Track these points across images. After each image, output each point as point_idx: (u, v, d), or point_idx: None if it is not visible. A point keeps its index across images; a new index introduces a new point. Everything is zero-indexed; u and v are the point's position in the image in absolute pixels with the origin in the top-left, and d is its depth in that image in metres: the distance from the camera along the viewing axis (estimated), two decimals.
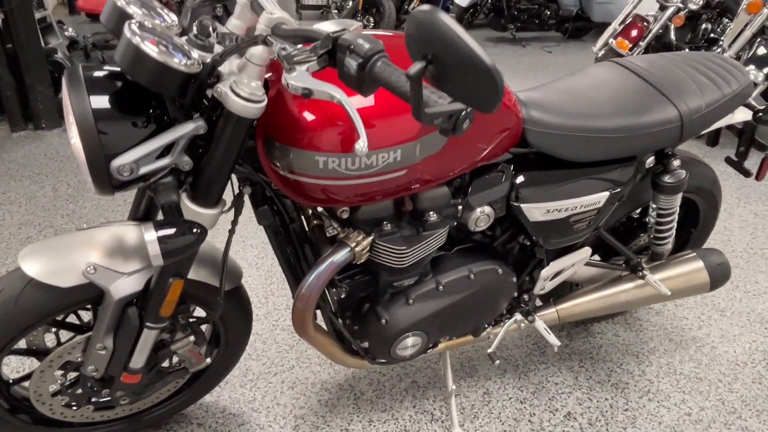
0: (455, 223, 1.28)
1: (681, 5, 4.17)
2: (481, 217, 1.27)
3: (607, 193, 1.35)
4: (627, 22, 4.31)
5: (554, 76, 5.25)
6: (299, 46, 0.82)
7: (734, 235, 2.61)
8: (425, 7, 0.68)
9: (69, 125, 0.91)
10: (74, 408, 1.28)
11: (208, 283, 1.21)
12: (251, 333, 1.48)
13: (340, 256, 1.15)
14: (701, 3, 4.21)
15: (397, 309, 1.29)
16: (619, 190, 1.37)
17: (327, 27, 1.05)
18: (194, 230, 0.95)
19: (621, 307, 1.62)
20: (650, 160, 1.40)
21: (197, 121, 0.93)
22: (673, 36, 4.31)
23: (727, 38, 3.80)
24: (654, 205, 1.50)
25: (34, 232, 2.41)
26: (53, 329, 1.24)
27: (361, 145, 0.76)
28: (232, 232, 1.13)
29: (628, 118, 1.31)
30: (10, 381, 1.27)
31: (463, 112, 0.71)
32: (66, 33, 5.07)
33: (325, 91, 0.80)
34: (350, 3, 5.85)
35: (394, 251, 1.19)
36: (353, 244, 1.15)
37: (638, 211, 1.70)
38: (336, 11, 6.56)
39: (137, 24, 0.83)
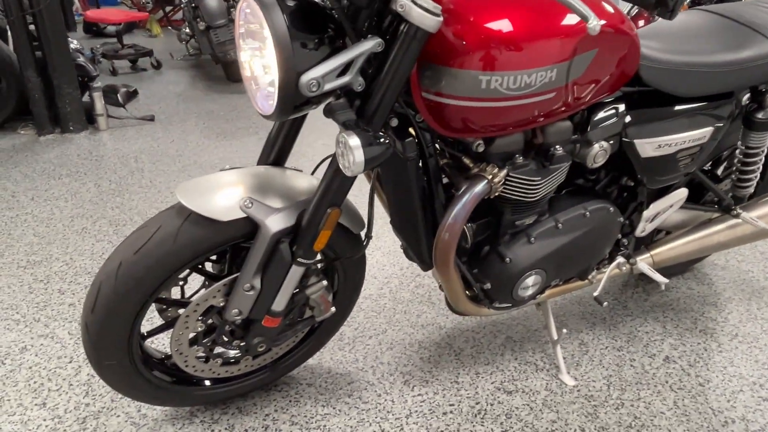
0: (575, 159, 1.32)
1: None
2: (600, 152, 1.30)
3: (711, 128, 1.40)
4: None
5: None
6: None
7: None
8: None
9: (247, 50, 0.93)
10: (205, 362, 1.27)
11: (346, 226, 1.22)
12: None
13: (480, 187, 1.17)
14: None
15: (520, 247, 1.31)
16: (721, 125, 1.42)
17: None
18: (385, 141, 0.97)
19: (715, 249, 1.66)
20: (746, 97, 1.46)
21: (375, 38, 0.95)
22: None
23: None
24: (743, 146, 1.56)
25: (88, 223, 2.38)
26: (181, 283, 1.23)
27: (594, 22, 0.79)
28: (377, 175, 1.14)
29: (727, 54, 1.37)
30: (144, 334, 1.25)
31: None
32: (71, 45, 5.05)
33: None
34: None
35: (527, 183, 1.21)
36: (490, 176, 1.17)
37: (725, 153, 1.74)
38: None
39: None
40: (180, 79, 4.83)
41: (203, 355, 1.25)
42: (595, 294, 1.53)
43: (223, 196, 1.07)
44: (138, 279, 1.05)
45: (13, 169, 2.92)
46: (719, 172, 1.78)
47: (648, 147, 1.35)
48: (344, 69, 0.95)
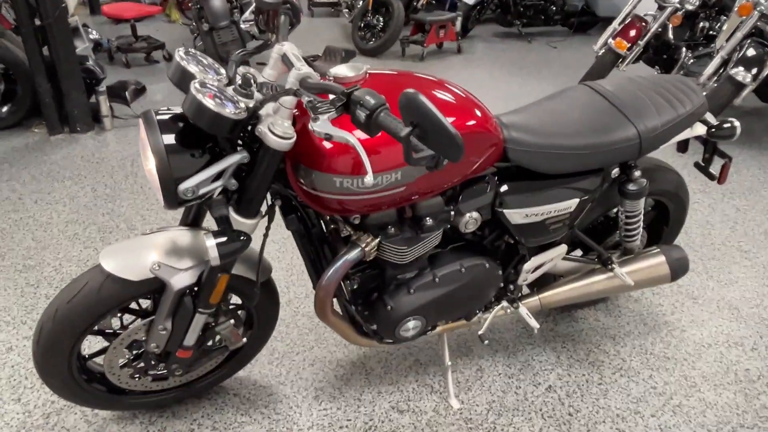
0: (448, 226, 1.54)
1: (678, 5, 4.33)
2: (470, 221, 1.53)
3: (577, 200, 1.61)
4: (626, 22, 4.49)
5: (558, 72, 5.47)
6: (320, 99, 1.08)
7: (714, 228, 2.84)
8: (410, 90, 0.94)
9: (145, 157, 1.19)
10: (137, 378, 1.57)
11: (246, 277, 1.48)
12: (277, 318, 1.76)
13: (353, 254, 1.41)
14: (698, 2, 4.38)
15: (400, 297, 1.56)
16: (587, 197, 1.62)
17: (342, 71, 1.31)
18: (242, 237, 1.23)
19: (595, 296, 1.88)
20: (615, 171, 1.65)
21: (242, 152, 1.20)
22: (671, 35, 4.49)
23: (719, 39, 3.99)
24: (621, 209, 1.75)
25: (80, 229, 2.71)
26: (119, 315, 1.52)
27: (369, 179, 1.02)
28: (266, 236, 1.40)
29: (594, 136, 1.56)
30: (86, 356, 1.55)
31: (440, 158, 0.97)
32: (91, 36, 5.36)
33: (342, 137, 1.05)
34: (360, 2, 6.06)
35: (397, 250, 1.45)
36: (363, 245, 1.42)
37: (614, 210, 1.95)
38: (347, 10, 6.79)
39: (198, 82, 1.10)
40: None
41: (134, 373, 1.56)
42: (480, 332, 1.77)
43: (137, 259, 1.34)
44: (70, 322, 1.35)
45: (23, 170, 3.27)
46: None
47: (516, 216, 1.57)
48: (220, 174, 1.20)
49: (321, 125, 1.06)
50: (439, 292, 1.59)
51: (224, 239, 1.20)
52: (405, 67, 5.52)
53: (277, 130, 1.15)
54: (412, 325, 1.61)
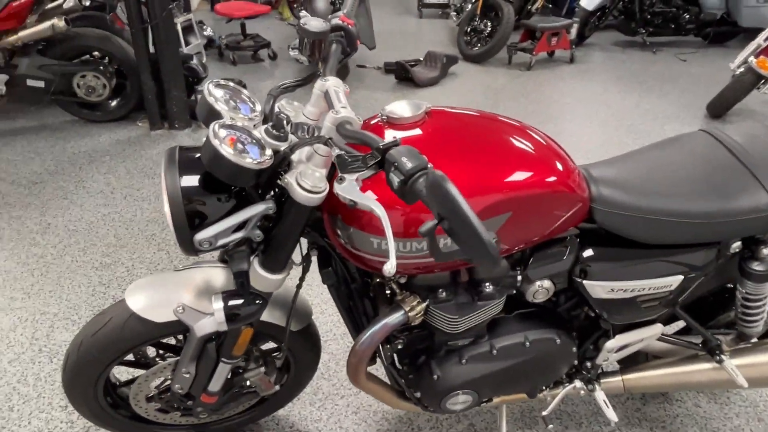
0: (514, 292, 1.31)
1: None
2: (539, 290, 1.28)
3: (681, 277, 1.30)
4: None
5: (685, 89, 4.87)
6: (353, 152, 0.90)
7: None
8: (438, 172, 0.73)
9: (163, 198, 1.08)
10: (163, 412, 1.50)
11: (279, 325, 1.35)
12: (322, 355, 1.61)
13: (395, 318, 1.23)
14: None
15: (449, 367, 1.35)
16: (695, 274, 1.30)
17: (398, 109, 1.12)
18: (257, 302, 1.09)
19: (694, 387, 1.54)
20: (736, 245, 1.32)
21: (267, 203, 1.05)
22: None
23: None
24: (741, 289, 1.41)
25: (158, 230, 2.75)
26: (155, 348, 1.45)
27: (389, 267, 0.82)
28: (299, 287, 1.25)
29: (712, 201, 1.24)
30: (118, 383, 1.51)
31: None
32: (205, 33, 5.59)
33: (367, 206, 0.87)
34: (469, 6, 5.80)
35: (447, 318, 1.24)
36: (408, 308, 1.22)
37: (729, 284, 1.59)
38: (454, 13, 6.54)
39: (219, 125, 0.96)
40: (285, 74, 5.16)
41: (161, 407, 1.48)
42: (544, 413, 1.51)
43: (162, 299, 1.25)
44: (93, 356, 1.29)
45: (121, 164, 3.42)
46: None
47: (599, 289, 1.30)
48: (243, 223, 1.06)
49: (346, 188, 0.88)
50: (497, 366, 1.36)
51: (235, 302, 1.07)
52: (510, 76, 5.20)
53: (305, 182, 0.98)
54: (461, 399, 1.39)
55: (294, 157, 1.04)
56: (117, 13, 3.78)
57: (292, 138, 1.05)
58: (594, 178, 1.25)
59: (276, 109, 1.15)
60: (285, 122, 1.05)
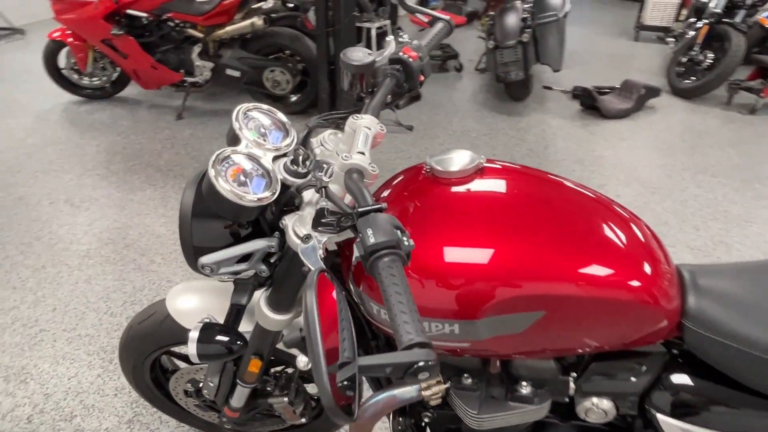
0: (566, 400, 1.05)
1: None
2: (593, 409, 1.01)
3: None
4: None
5: None
6: (342, 209, 0.79)
7: None
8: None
9: None
10: (198, 408, 1.53)
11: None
12: None
13: (405, 392, 1.06)
14: None
15: None
16: None
17: (447, 161, 0.98)
18: (237, 343, 1.02)
19: None
20: None
21: (271, 240, 0.97)
22: None
23: None
24: None
25: None
26: None
27: (302, 362, 0.69)
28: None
29: None
30: (169, 370, 1.58)
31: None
32: (400, 39, 5.74)
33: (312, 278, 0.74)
34: (691, 33, 5.04)
35: (468, 412, 1.05)
36: (424, 386, 1.05)
37: None
38: (673, 39, 5.75)
39: (223, 154, 0.90)
40: (467, 86, 5.06)
41: (197, 404, 1.52)
42: None
43: (195, 307, 1.26)
44: (136, 344, 1.36)
45: None
46: None
47: (676, 430, 0.98)
48: (248, 256, 1.00)
49: (306, 249, 0.77)
50: None
51: (212, 337, 1.01)
52: (724, 119, 4.40)
53: (299, 229, 0.89)
54: None
55: (305, 196, 0.95)
56: (308, 16, 4.05)
57: (321, 178, 0.96)
58: (696, 286, 0.94)
59: (318, 142, 1.07)
60: (305, 158, 0.96)
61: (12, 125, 4.04)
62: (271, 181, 0.92)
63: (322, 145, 1.06)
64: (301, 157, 0.96)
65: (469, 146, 3.82)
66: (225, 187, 0.87)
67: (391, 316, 0.63)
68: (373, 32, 4.90)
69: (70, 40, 4.08)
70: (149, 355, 1.39)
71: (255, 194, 0.89)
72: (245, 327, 1.15)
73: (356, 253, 0.70)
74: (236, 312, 1.06)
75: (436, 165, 1.01)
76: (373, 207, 0.74)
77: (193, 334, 1.01)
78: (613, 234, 0.93)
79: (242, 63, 3.99)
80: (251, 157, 0.93)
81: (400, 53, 1.08)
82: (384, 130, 0.97)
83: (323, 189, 0.85)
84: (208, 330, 1.02)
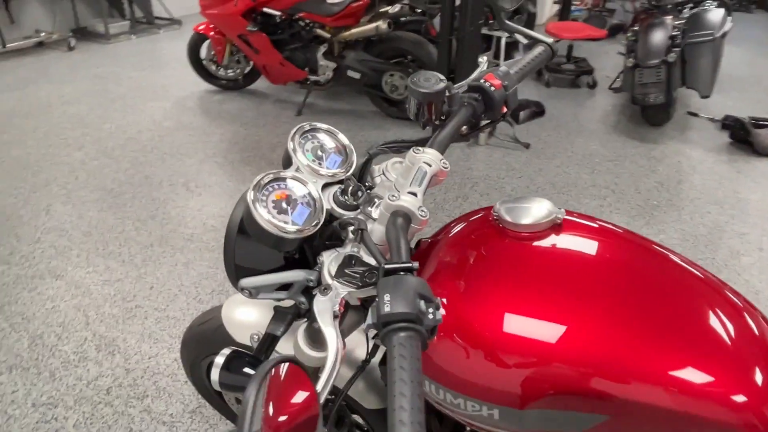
0: None
1: None
2: None
3: None
4: None
5: None
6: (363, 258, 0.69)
7: None
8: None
9: None
10: None
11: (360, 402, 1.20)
12: None
13: None
14: None
15: None
16: None
17: (524, 210, 0.85)
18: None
19: None
20: None
21: (311, 273, 0.89)
22: None
23: None
24: None
25: None
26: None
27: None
28: (355, 375, 1.07)
29: None
30: None
31: None
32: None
33: (326, 335, 0.65)
34: None
35: None
36: None
37: None
38: None
39: (266, 178, 0.84)
40: (598, 105, 4.68)
41: None
42: None
43: (246, 321, 1.22)
44: (192, 344, 1.37)
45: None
46: None
47: None
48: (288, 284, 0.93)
49: (321, 303, 0.68)
50: None
51: (238, 368, 0.94)
52: None
53: (333, 269, 0.80)
54: None
55: (350, 234, 0.86)
56: (432, 22, 3.97)
57: (371, 213, 0.87)
58: None
59: (380, 170, 0.98)
60: (355, 189, 0.87)
61: (154, 108, 4.42)
62: (315, 211, 0.85)
63: (383, 173, 0.96)
64: (351, 188, 0.87)
65: (589, 172, 3.51)
66: (263, 215, 0.81)
67: (389, 409, 0.52)
68: (503, 42, 4.71)
69: (211, 33, 4.37)
70: (205, 357, 1.39)
71: (295, 225, 0.82)
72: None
73: (369, 320, 0.60)
74: (270, 342, 0.99)
75: (505, 214, 0.87)
76: (400, 266, 0.63)
77: (219, 360, 0.97)
78: (721, 327, 0.74)
79: (363, 65, 4.01)
80: (298, 181, 0.86)
81: (482, 80, 0.94)
82: (447, 167, 0.84)
83: (360, 232, 0.75)
84: (235, 359, 0.97)
